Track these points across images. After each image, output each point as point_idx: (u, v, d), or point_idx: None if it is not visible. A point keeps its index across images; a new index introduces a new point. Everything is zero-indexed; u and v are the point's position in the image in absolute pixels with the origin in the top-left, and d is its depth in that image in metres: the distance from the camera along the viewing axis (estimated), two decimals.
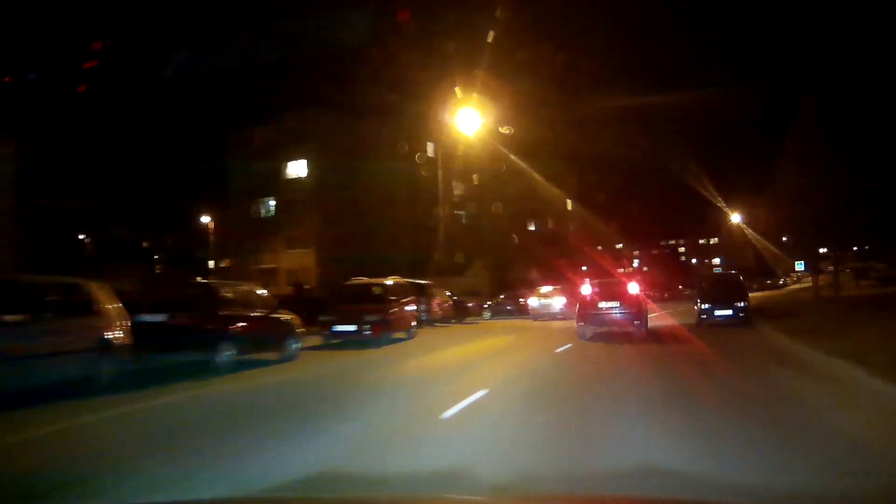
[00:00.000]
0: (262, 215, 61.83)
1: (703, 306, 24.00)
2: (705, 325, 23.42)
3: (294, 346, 15.64)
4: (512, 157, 67.67)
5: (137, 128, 57.33)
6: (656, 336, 20.84)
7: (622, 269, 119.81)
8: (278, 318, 15.52)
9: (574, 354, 16.75)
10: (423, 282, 28.80)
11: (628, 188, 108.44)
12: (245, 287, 16.08)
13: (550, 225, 72.94)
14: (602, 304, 20.06)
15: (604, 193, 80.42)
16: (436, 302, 28.48)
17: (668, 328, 25.13)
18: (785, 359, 14.33)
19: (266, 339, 14.59)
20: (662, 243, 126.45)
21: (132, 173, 56.64)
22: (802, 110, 30.61)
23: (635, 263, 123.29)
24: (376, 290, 20.82)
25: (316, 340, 19.29)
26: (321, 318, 19.51)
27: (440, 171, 58.49)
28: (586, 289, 21.12)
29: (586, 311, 20.30)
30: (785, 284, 79.47)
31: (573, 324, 28.83)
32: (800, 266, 63.08)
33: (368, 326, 18.67)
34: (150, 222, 64.95)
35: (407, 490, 5.74)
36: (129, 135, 56.49)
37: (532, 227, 72.86)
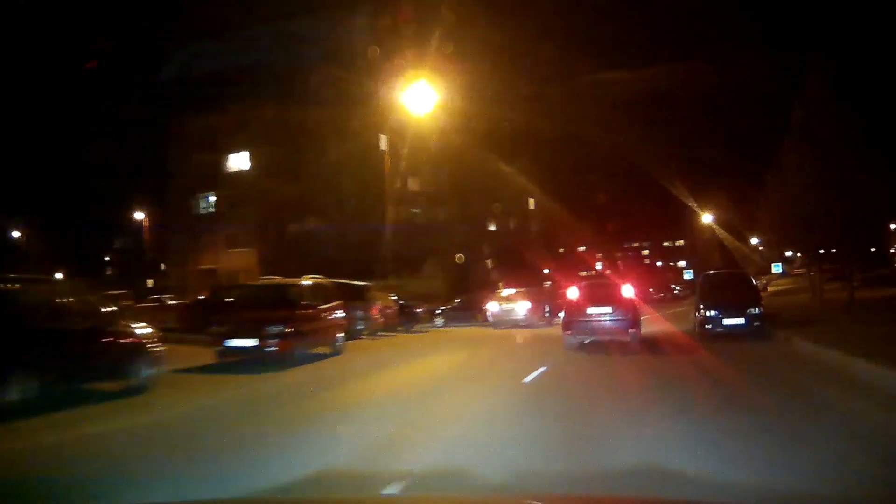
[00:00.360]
0: (203, 212, 57.46)
1: (707, 313, 19.14)
2: (710, 336, 18.86)
3: (147, 372, 10.93)
4: (472, 153, 63.90)
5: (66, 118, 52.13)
6: (658, 349, 17.50)
7: (585, 273, 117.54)
8: (113, 335, 10.74)
9: (550, 386, 11.76)
10: (358, 283, 24.09)
11: (592, 189, 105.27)
12: (55, 286, 11.29)
13: (512, 225, 68.78)
14: (591, 310, 17.46)
15: (567, 194, 77.20)
16: (376, 307, 23.76)
17: (668, 336, 21.43)
18: (845, 383, 10.41)
19: (89, 363, 9.86)
20: (626, 245, 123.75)
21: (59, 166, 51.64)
22: (804, 96, 26.73)
23: (598, 266, 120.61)
24: (287, 293, 15.76)
25: (207, 358, 14.69)
26: (212, 330, 14.84)
27: (393, 166, 54.72)
28: (573, 292, 18.36)
29: (573, 317, 17.67)
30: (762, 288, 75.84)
31: (541, 332, 25.76)
32: (777, 268, 60.20)
33: (274, 340, 14.03)
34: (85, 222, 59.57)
35: None
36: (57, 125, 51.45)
37: (493, 227, 68.65)
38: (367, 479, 5.91)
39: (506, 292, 30.74)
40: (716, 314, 18.95)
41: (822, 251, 37.43)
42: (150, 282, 59.36)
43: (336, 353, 16.61)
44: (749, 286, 20.89)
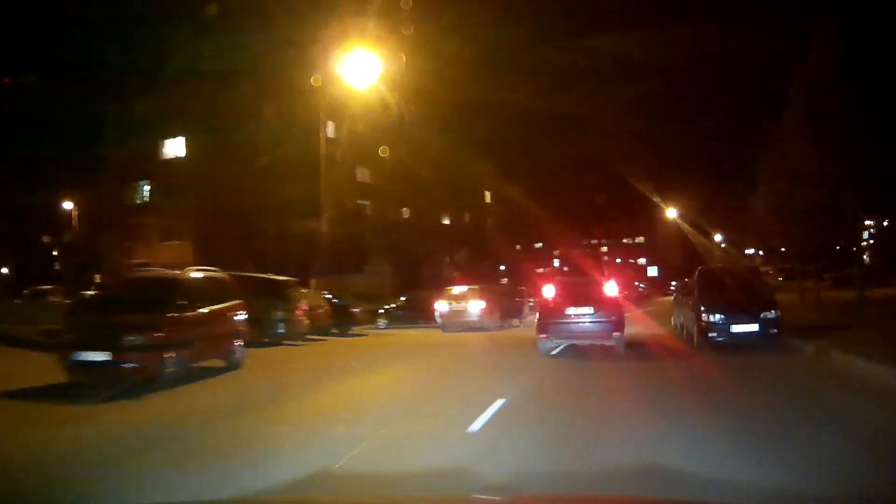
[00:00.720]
0: (137, 202, 53.70)
1: (710, 317, 15.35)
2: (713, 347, 15.34)
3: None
4: (427, 144, 60.68)
5: None
6: (658, 367, 13.89)
7: (541, 270, 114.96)
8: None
9: (512, 443, 7.36)
10: (279, 278, 20.42)
11: (551, 184, 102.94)
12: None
13: (467, 219, 65.52)
14: (570, 311, 15.63)
15: (525, 189, 74.50)
16: (301, 307, 20.13)
17: (659, 343, 18.40)
18: None
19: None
20: (584, 242, 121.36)
21: None
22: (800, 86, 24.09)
23: (556, 263, 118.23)
24: (159, 291, 11.82)
25: (58, 375, 11.05)
26: (61, 338, 11.22)
27: (342, 155, 51.25)
28: (549, 290, 16.27)
29: (549, 319, 15.74)
30: None
31: (497, 337, 22.58)
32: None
33: (134, 353, 10.36)
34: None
35: None
36: None
37: (447, 221, 65.35)
38: None
39: (457, 290, 27.42)
40: (722, 319, 15.28)
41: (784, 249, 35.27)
42: (97, 277, 55.30)
43: (232, 366, 13.04)
44: (760, 283, 17.59)
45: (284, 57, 42.78)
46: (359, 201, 55.94)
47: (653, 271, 64.95)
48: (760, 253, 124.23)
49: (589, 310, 15.55)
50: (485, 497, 4.61)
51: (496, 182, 71.53)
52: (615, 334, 15.50)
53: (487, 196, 70.90)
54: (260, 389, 11.60)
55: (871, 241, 55.52)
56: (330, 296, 25.22)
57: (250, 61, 44.20)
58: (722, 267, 21.64)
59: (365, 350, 19.63)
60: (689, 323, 17.44)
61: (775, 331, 15.12)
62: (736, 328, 15.10)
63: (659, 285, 61.76)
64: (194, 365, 12.12)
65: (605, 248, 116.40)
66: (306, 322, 20.24)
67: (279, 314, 18.71)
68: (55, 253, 60.78)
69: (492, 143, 64.59)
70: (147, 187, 53.79)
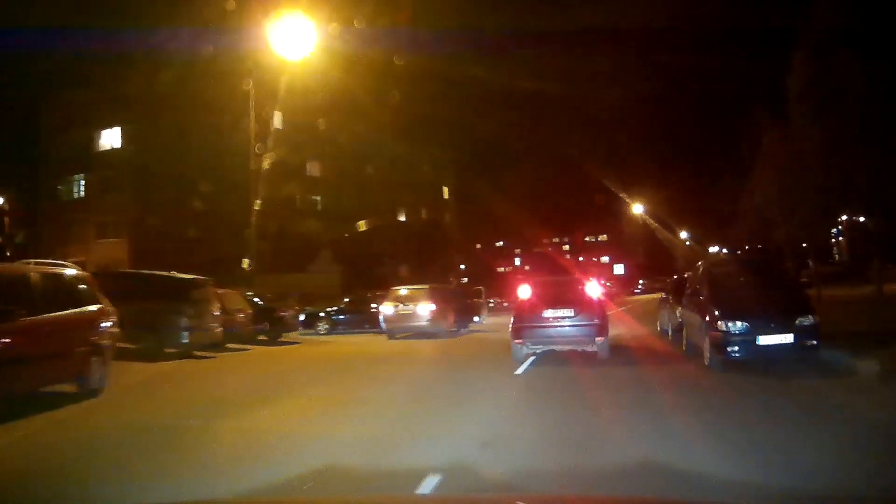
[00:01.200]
0: (73, 196, 50.29)
1: (729, 326, 11.77)
2: (732, 365, 11.81)
3: None
4: (381, 137, 57.87)
5: None
6: (678, 412, 8.76)
7: (502, 269, 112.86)
8: None
9: None
10: (181, 276, 17.28)
11: (511, 180, 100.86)
12: None
13: (424, 215, 62.78)
14: (548, 313, 14.22)
15: (485, 184, 72.20)
16: (212, 311, 17.21)
17: (654, 352, 15.70)
18: None
19: None
20: (546, 241, 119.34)
21: None
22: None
23: (517, 262, 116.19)
24: None
25: None
26: None
27: (290, 147, 48.25)
28: (525, 291, 14.75)
29: (525, 322, 14.27)
30: None
31: (449, 346, 19.71)
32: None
33: None
34: None
35: None
36: None
37: (402, 218, 62.60)
38: None
39: (404, 290, 24.67)
40: (745, 329, 11.64)
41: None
42: None
43: (88, 392, 10.06)
44: (786, 279, 14.14)
45: (221, 39, 39.67)
46: (311, 196, 53.14)
47: (619, 269, 62.64)
48: (724, 251, 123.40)
49: (569, 312, 14.11)
50: (486, 497, 4.46)
51: (455, 177, 69.08)
52: (598, 339, 13.90)
53: (446, 192, 68.25)
54: (87, 442, 7.77)
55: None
56: (256, 298, 22.28)
57: (186, 46, 41.06)
58: (735, 257, 18.35)
59: (281, 366, 16.33)
60: (694, 333, 13.88)
61: (815, 342, 11.63)
62: (764, 340, 11.51)
63: (626, 283, 59.64)
64: (38, 390, 9.23)
65: (566, 247, 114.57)
66: (219, 329, 17.30)
67: (183, 320, 15.76)
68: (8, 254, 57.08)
69: (451, 137, 62.15)
70: (83, 182, 50.38)
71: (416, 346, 19.75)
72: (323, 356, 18.54)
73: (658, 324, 18.84)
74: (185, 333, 15.84)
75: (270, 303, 23.18)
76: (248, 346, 19.89)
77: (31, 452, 7.28)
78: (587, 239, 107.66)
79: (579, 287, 14.96)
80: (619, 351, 15.07)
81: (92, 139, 48.52)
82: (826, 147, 19.94)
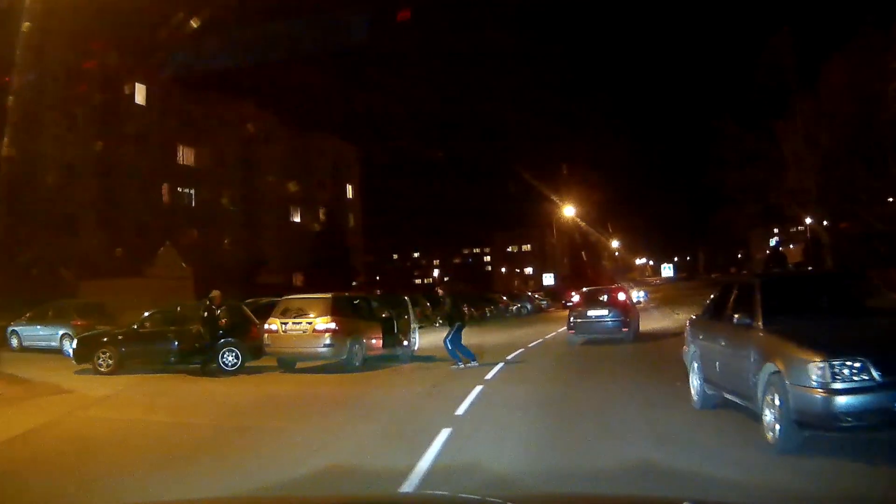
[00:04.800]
0: None
1: (837, 369, 5.82)
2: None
3: None
4: (272, 123, 49.26)
5: None
6: None
7: (419, 280, 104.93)
8: None
9: None
10: None
11: (427, 182, 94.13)
12: None
13: (323, 216, 54.05)
14: (591, 313, 19.58)
15: (396, 186, 64.65)
16: None
17: None
18: None
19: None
20: (466, 251, 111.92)
21: None
22: None
23: (435, 273, 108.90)
24: None
25: None
26: None
27: (158, 130, 39.44)
28: (577, 297, 22.30)
29: (577, 319, 19.62)
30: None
31: (364, 397, 10.79)
32: (668, 270, 49.35)
33: None
34: None
35: None
36: None
37: (297, 219, 53.77)
38: None
39: (294, 303, 16.03)
40: (877, 381, 5.79)
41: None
42: None
43: None
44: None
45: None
46: (181, 188, 43.91)
47: (549, 279, 55.26)
48: (650, 263, 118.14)
49: (605, 312, 19.46)
50: (485, 497, 4.05)
51: (365, 179, 61.02)
52: (624, 330, 19.03)
53: (350, 190, 59.59)
54: None
55: None
56: None
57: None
58: (800, 272, 14.06)
59: None
60: (732, 381, 7.86)
61: None
62: None
63: (557, 295, 52.13)
64: None
65: (487, 258, 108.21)
66: None
67: None
68: None
69: (364, 134, 54.62)
70: None
71: (301, 397, 11.57)
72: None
73: (695, 381, 9.35)
74: None
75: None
76: None
77: None
78: (509, 249, 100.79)
79: (614, 294, 20.63)
80: None
81: None
82: None
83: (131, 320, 16.89)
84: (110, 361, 15.27)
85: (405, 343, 16.82)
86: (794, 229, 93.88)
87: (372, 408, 10.25)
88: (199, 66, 35.30)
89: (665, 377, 10.87)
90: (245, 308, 16.90)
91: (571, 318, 19.54)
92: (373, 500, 4.25)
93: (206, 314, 14.66)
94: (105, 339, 15.77)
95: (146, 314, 16.42)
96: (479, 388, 10.80)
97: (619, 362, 14.77)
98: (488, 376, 12.52)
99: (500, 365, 14.50)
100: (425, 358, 16.69)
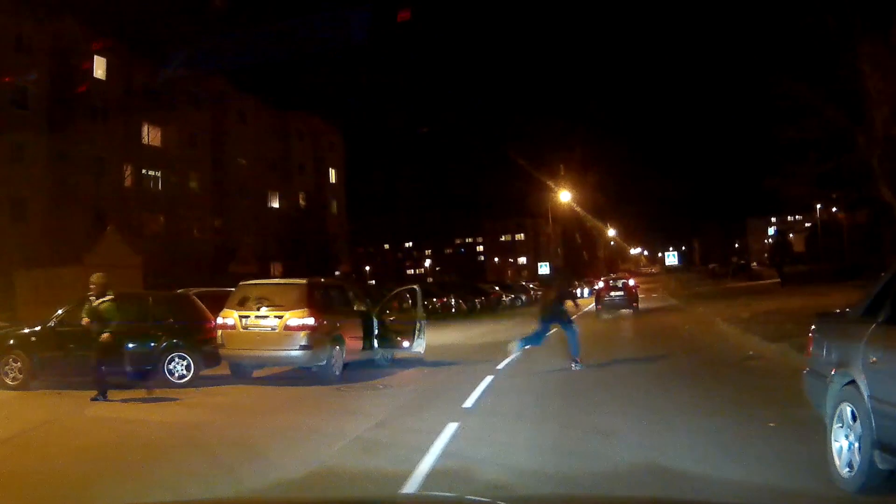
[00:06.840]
0: None
1: None
2: None
3: None
4: (247, 103, 45.98)
5: None
6: None
7: (411, 272, 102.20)
8: None
9: None
10: None
11: (417, 170, 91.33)
12: None
13: (303, 202, 50.81)
14: (612, 294, 28.98)
15: (383, 173, 61.62)
16: None
17: None
18: None
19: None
20: (458, 241, 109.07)
21: None
22: None
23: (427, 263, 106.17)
24: None
25: None
26: None
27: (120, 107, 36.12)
28: (600, 284, 32.55)
29: (601, 297, 29.03)
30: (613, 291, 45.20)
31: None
32: (672, 258, 46.57)
33: None
34: None
35: None
36: None
37: (275, 204, 50.46)
38: None
39: (258, 290, 12.60)
40: None
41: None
42: None
43: None
44: None
45: None
46: (146, 170, 40.58)
47: (544, 268, 52.57)
48: (645, 253, 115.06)
49: (620, 293, 28.91)
50: (485, 497, 4.27)
51: (353, 161, 57.87)
52: (633, 304, 28.61)
53: (333, 175, 56.31)
54: None
55: None
56: None
57: None
58: None
59: None
60: None
61: None
62: None
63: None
64: None
65: (480, 248, 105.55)
66: None
67: None
68: None
69: (350, 117, 51.72)
70: None
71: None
72: None
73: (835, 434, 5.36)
74: None
75: None
76: None
77: None
78: (503, 238, 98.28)
79: (626, 280, 30.68)
80: None
81: None
82: None
83: (46, 315, 13.09)
84: (19, 374, 11.80)
85: (405, 344, 13.46)
86: (792, 218, 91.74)
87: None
88: (196, 67, 33.01)
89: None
90: (196, 300, 13.25)
91: (597, 299, 29.34)
92: (373, 501, 4.38)
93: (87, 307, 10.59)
94: (12, 343, 12.26)
95: (59, 311, 12.57)
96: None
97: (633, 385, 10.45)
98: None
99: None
100: (433, 363, 13.30)
